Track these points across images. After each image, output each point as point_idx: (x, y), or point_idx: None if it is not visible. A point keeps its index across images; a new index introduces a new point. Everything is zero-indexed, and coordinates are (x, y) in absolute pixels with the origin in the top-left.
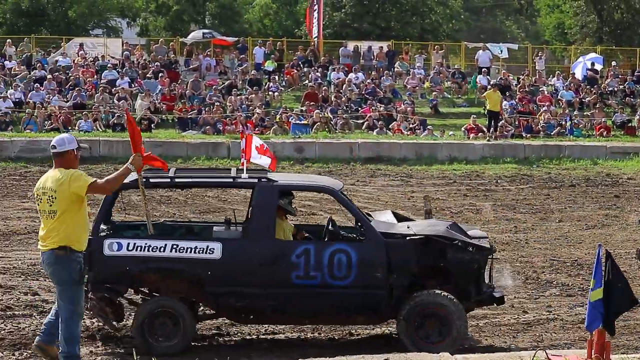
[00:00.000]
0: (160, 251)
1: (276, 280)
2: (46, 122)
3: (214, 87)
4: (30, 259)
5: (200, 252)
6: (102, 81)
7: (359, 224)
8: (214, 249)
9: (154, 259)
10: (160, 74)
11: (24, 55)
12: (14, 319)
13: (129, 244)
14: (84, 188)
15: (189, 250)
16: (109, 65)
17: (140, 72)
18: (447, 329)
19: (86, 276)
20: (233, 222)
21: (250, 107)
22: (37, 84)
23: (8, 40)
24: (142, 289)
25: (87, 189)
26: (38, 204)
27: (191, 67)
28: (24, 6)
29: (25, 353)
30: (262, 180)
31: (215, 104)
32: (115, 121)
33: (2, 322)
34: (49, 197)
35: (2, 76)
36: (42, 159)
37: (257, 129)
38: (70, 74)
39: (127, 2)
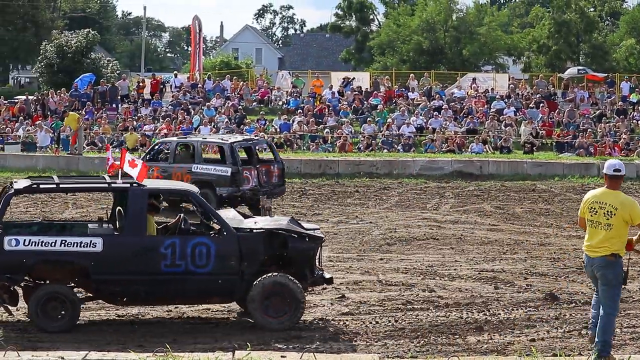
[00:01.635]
0: (51, 246)
1: (148, 269)
2: (443, 144)
3: (586, 115)
4: (428, 260)
5: (85, 246)
6: (491, 110)
7: (216, 220)
8: (96, 243)
9: (46, 252)
10: (541, 104)
11: (424, 88)
12: (413, 311)
13: (25, 240)
14: None
15: (75, 244)
16: (497, 96)
17: (524, 102)
18: (288, 305)
19: None
20: (105, 220)
21: (617, 133)
22: (435, 112)
23: (411, 74)
24: (36, 278)
25: None
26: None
27: (567, 98)
28: (425, 46)
29: (422, 341)
30: (134, 185)
31: (588, 130)
32: (502, 144)
33: (402, 314)
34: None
35: (406, 105)
36: (439, 176)
37: (623, 152)
38: (464, 104)
39: (513, 43)
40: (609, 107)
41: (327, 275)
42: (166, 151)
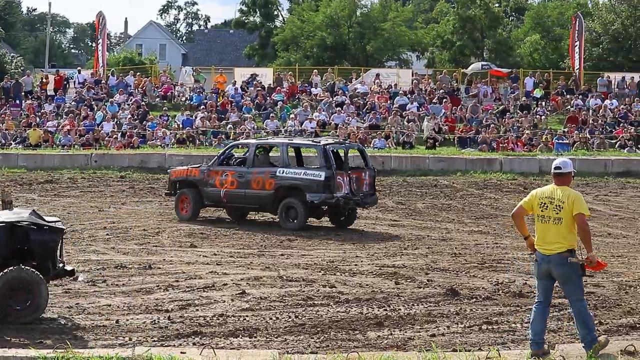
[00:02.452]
0: None
1: None
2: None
3: (489, 111)
4: (329, 256)
5: None
6: (394, 105)
7: None
8: None
9: None
10: (444, 100)
11: (327, 84)
12: (313, 307)
13: None
14: None
15: None
16: (400, 92)
17: (427, 97)
18: (32, 298)
19: None
20: None
21: (520, 129)
22: (338, 108)
23: (314, 70)
24: None
25: None
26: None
27: (471, 94)
28: (329, 42)
29: (322, 337)
30: None
31: (491, 125)
32: (404, 139)
33: (303, 310)
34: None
35: (309, 101)
36: None
37: (525, 147)
38: (367, 100)
39: (417, 38)
40: (512, 102)
41: (68, 268)
42: (239, 155)
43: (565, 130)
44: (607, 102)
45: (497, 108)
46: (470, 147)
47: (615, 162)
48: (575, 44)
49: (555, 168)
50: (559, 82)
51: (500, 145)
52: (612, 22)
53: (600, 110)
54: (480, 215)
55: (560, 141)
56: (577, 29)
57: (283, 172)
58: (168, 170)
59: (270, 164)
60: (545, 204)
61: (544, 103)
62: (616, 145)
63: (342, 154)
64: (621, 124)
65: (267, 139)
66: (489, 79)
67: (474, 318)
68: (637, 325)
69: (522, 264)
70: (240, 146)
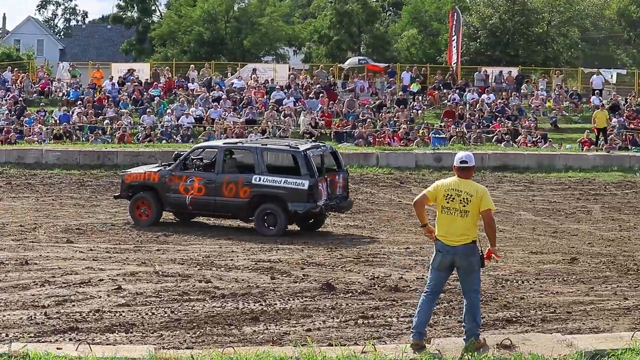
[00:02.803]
0: None
1: None
2: (222, 135)
3: (366, 105)
4: (205, 251)
5: None
6: (271, 100)
7: None
8: None
9: None
10: (320, 94)
11: (204, 79)
12: (189, 302)
13: None
14: None
15: None
16: (277, 86)
17: (303, 92)
18: None
19: None
20: None
21: (397, 123)
22: (215, 103)
23: (191, 65)
24: None
25: None
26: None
27: (347, 88)
28: (206, 37)
29: (198, 332)
30: None
31: (367, 120)
32: (281, 134)
33: (179, 305)
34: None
35: (186, 96)
36: None
37: (402, 141)
38: (243, 94)
39: (294, 33)
40: (389, 97)
41: None
42: (206, 159)
43: (442, 124)
44: (484, 96)
45: (374, 102)
46: (347, 142)
47: (492, 156)
48: (453, 38)
49: (460, 162)
50: (436, 77)
51: (377, 139)
52: (489, 16)
53: (477, 105)
54: (356, 209)
55: (436, 135)
56: (454, 23)
57: (260, 180)
58: (120, 173)
59: (240, 169)
60: (451, 195)
61: (420, 97)
62: (493, 139)
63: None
64: (498, 118)
65: (237, 143)
66: (365, 73)
67: (349, 312)
68: (514, 319)
69: (398, 258)
70: (203, 149)
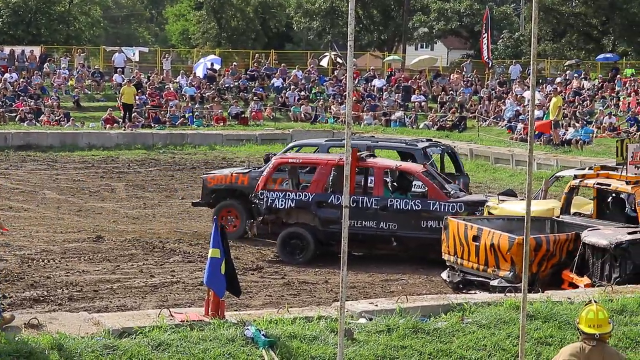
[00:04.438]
0: None
1: None
2: None
3: None
4: None
5: None
6: None
7: None
8: None
9: None
10: None
11: None
12: None
13: None
14: None
15: None
16: None
17: None
18: None
19: None
20: None
21: None
22: None
23: None
24: None
25: None
26: None
27: None
28: None
29: None
30: None
31: None
32: None
33: None
34: None
35: None
36: None
37: None
38: None
39: None
40: None
41: None
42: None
43: None
44: (7, 75)
45: None
46: None
47: (15, 136)
48: None
49: None
50: None
51: None
52: None
53: (0, 84)
54: None
55: None
56: None
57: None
58: (202, 176)
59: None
60: None
61: None
62: (16, 119)
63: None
64: (21, 97)
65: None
66: None
67: None
68: (41, 299)
69: None
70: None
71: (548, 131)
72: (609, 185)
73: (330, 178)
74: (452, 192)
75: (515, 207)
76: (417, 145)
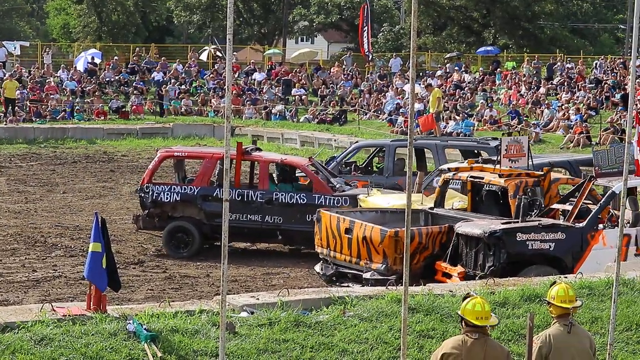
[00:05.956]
0: None
1: None
2: None
3: None
4: None
5: None
6: None
7: None
8: None
9: None
10: None
11: None
12: None
13: None
14: None
15: None
16: None
17: None
18: None
19: None
20: None
21: None
22: None
23: None
24: None
25: None
26: None
27: None
28: None
29: None
30: None
31: None
32: None
33: None
34: None
35: None
36: None
37: None
38: None
39: None
40: None
41: None
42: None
43: None
44: None
45: None
46: None
47: None
48: None
49: None
50: None
51: None
52: None
53: None
54: None
55: None
56: None
57: None
58: None
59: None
60: None
61: None
62: None
63: None
64: None
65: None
66: None
67: None
68: None
69: None
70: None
71: (433, 126)
72: (482, 178)
73: (216, 171)
74: (337, 186)
75: (380, 200)
76: (489, 144)
